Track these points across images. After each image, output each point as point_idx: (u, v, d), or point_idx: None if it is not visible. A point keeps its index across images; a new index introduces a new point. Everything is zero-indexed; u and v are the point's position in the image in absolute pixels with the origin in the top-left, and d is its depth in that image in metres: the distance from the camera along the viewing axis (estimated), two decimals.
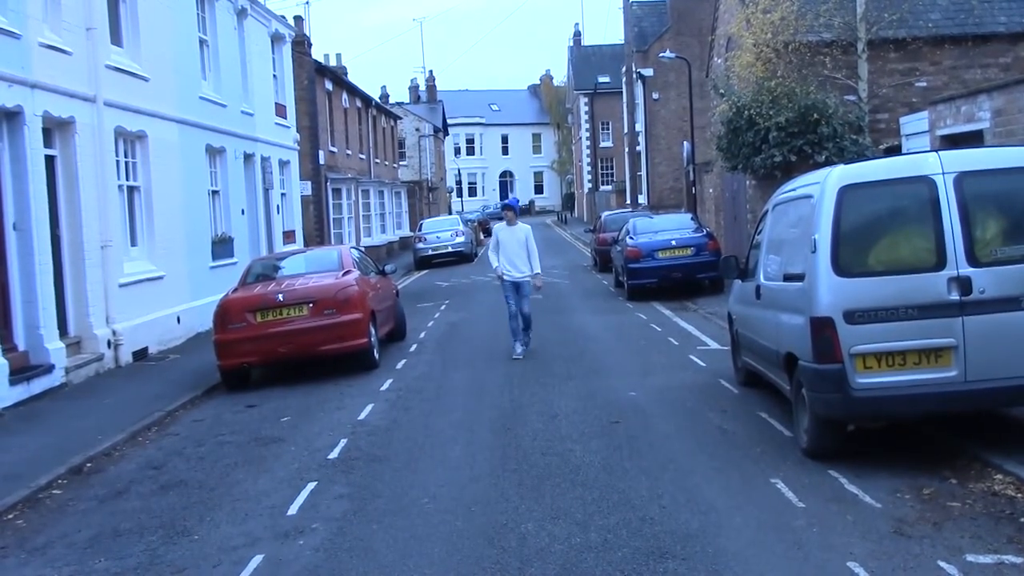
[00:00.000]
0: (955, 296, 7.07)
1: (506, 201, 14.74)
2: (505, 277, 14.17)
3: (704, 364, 12.45)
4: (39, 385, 12.77)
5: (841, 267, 7.27)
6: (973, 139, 13.00)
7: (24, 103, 12.94)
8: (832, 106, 18.18)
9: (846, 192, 7.39)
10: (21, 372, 12.48)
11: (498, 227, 14.68)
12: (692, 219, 23.13)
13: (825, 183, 7.58)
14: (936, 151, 8.17)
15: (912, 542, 5.89)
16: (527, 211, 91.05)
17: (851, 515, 6.42)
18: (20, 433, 10.94)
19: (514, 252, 14.12)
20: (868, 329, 7.14)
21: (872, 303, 7.16)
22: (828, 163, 14.32)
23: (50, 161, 13.98)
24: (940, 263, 7.13)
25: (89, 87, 14.87)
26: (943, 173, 7.26)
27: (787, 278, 8.30)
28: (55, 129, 14.22)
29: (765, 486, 7.18)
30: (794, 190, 8.73)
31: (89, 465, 9.62)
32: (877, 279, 7.24)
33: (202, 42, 20.76)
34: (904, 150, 16.62)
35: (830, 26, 19.00)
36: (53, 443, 10.30)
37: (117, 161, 16.03)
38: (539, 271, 14.40)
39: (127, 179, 16.63)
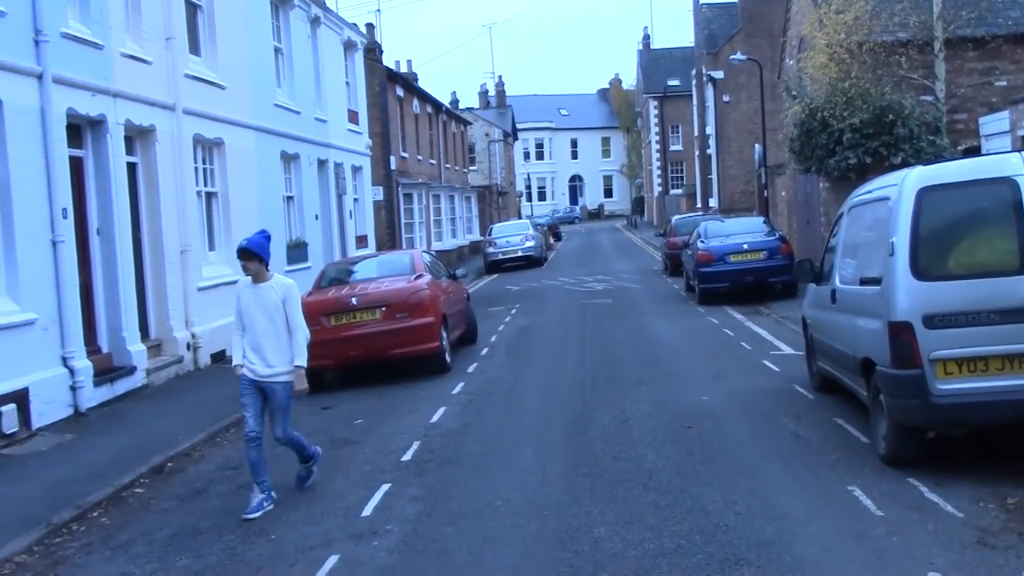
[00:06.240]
0: None
1: (243, 243, 8.07)
2: (243, 371, 8.01)
3: (778, 369, 12.30)
4: (122, 386, 13.11)
5: (920, 270, 7.13)
6: None
7: (107, 112, 13.31)
8: (908, 107, 17.82)
9: (925, 194, 7.25)
10: (105, 373, 12.82)
11: (240, 285, 8.25)
12: (764, 222, 22.86)
13: (903, 185, 7.45)
14: (1018, 151, 7.96)
15: (996, 553, 5.76)
16: (596, 215, 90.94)
17: (932, 524, 6.28)
18: (104, 433, 11.25)
19: (261, 328, 7.95)
20: (948, 334, 7.00)
21: (952, 307, 7.01)
22: (904, 165, 14.05)
23: (132, 168, 14.35)
24: (1022, 266, 6.96)
25: (169, 96, 15.24)
26: None
27: (863, 282, 8.17)
28: (136, 137, 14.60)
29: (842, 493, 7.07)
30: (870, 192, 8.60)
31: (170, 465, 9.86)
32: (957, 283, 7.09)
33: (277, 50, 21.13)
34: (984, 151, 16.24)
35: (905, 25, 18.64)
36: (135, 443, 10.57)
37: (196, 168, 16.40)
38: (301, 362, 7.98)
39: (205, 185, 17.00)
